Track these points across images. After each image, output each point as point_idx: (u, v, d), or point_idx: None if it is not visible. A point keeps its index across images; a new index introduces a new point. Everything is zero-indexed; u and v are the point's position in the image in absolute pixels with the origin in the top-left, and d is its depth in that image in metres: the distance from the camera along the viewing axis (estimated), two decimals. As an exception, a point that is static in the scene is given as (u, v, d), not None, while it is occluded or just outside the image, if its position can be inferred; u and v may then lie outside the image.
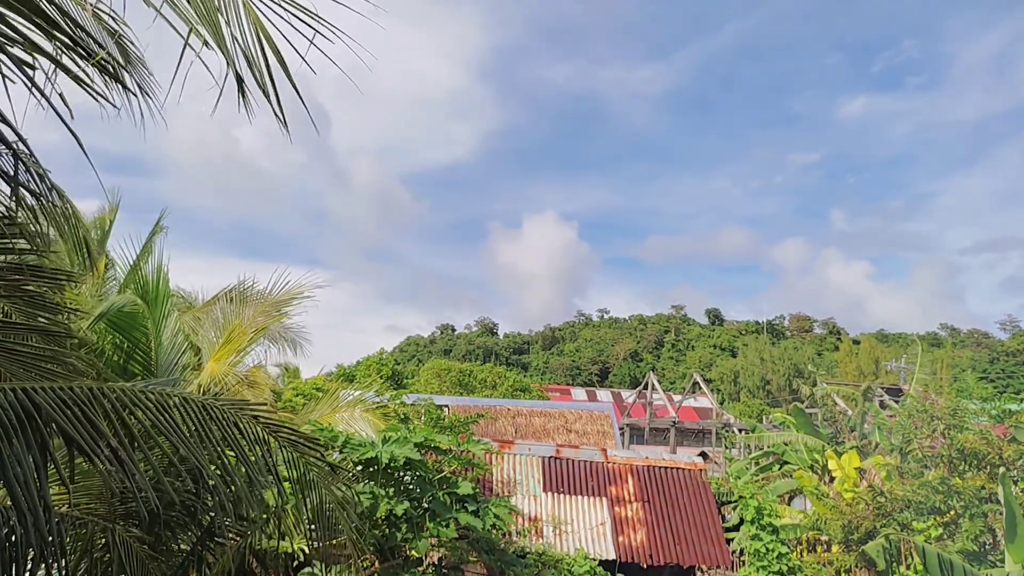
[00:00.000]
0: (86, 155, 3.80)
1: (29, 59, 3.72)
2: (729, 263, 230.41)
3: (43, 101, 3.73)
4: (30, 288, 5.20)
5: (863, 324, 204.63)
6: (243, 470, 4.41)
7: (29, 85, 3.73)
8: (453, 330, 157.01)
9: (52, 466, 3.37)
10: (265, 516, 8.36)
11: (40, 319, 5.52)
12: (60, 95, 3.86)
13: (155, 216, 15.83)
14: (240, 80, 3.54)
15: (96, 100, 4.03)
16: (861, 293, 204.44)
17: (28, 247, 5.12)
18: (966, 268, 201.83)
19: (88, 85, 3.96)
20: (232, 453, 4.34)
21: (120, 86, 4.00)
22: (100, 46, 3.88)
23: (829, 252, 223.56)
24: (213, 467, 4.20)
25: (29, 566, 3.58)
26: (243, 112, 3.64)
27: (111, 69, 3.97)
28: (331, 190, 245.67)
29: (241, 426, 4.45)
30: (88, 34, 3.82)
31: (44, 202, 4.73)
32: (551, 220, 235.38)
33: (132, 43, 4.28)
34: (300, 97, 3.75)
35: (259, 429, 4.60)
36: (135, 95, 4.13)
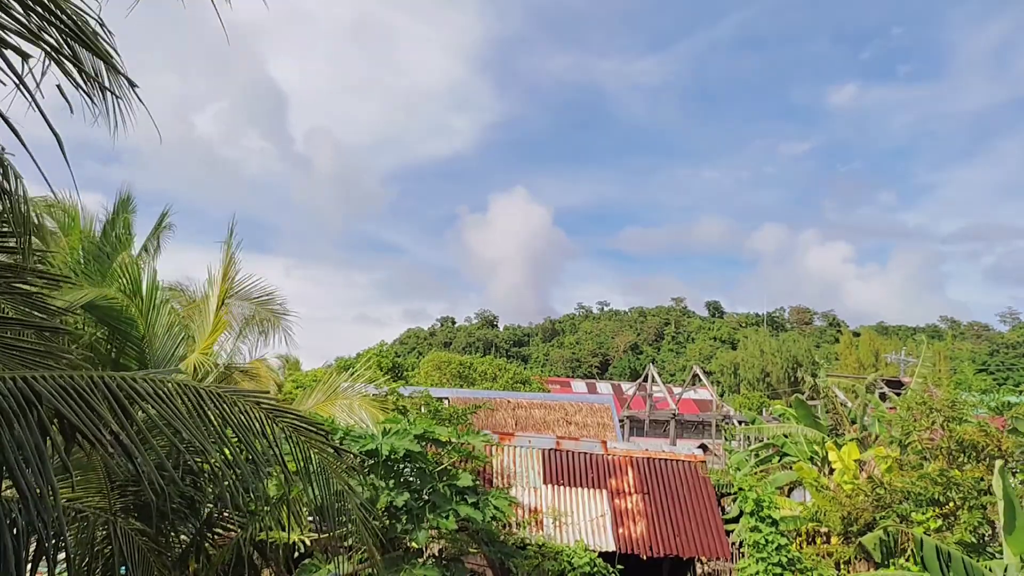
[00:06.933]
0: (63, 152, 3.72)
1: (18, 53, 3.66)
2: (719, 254, 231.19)
3: (29, 96, 3.66)
4: (26, 288, 5.17)
5: (844, 312, 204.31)
6: (244, 456, 4.41)
7: (16, 80, 3.66)
8: (453, 323, 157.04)
9: (56, 458, 3.37)
10: (266, 507, 8.37)
11: (36, 317, 5.49)
12: (58, 87, 3.82)
13: (134, 207, 15.74)
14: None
15: (86, 93, 3.98)
16: (853, 283, 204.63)
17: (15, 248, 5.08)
18: (951, 256, 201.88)
19: (79, 77, 3.91)
20: (236, 439, 4.33)
21: (106, 68, 3.96)
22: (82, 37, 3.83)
23: (826, 244, 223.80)
24: (218, 453, 4.20)
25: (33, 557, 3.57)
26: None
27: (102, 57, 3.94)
28: (326, 184, 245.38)
29: (244, 413, 4.44)
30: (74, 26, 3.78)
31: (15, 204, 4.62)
32: (538, 213, 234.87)
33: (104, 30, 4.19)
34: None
35: (261, 415, 4.59)
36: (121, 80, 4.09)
